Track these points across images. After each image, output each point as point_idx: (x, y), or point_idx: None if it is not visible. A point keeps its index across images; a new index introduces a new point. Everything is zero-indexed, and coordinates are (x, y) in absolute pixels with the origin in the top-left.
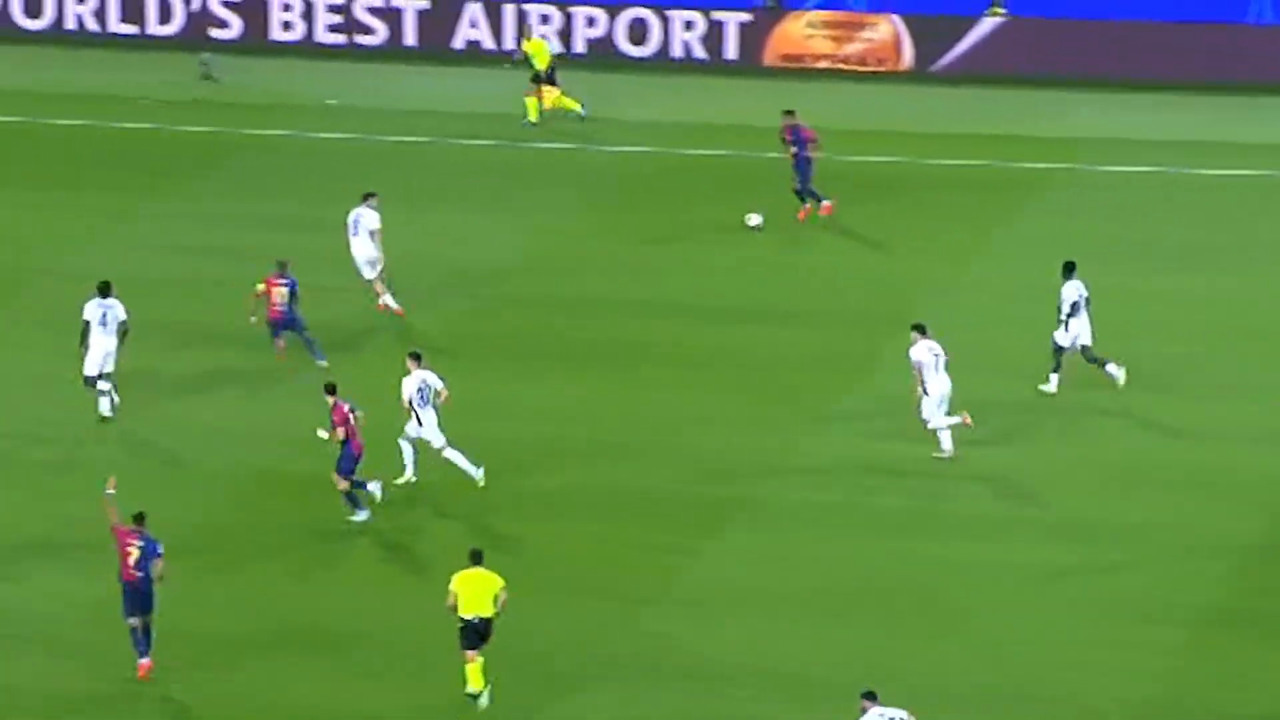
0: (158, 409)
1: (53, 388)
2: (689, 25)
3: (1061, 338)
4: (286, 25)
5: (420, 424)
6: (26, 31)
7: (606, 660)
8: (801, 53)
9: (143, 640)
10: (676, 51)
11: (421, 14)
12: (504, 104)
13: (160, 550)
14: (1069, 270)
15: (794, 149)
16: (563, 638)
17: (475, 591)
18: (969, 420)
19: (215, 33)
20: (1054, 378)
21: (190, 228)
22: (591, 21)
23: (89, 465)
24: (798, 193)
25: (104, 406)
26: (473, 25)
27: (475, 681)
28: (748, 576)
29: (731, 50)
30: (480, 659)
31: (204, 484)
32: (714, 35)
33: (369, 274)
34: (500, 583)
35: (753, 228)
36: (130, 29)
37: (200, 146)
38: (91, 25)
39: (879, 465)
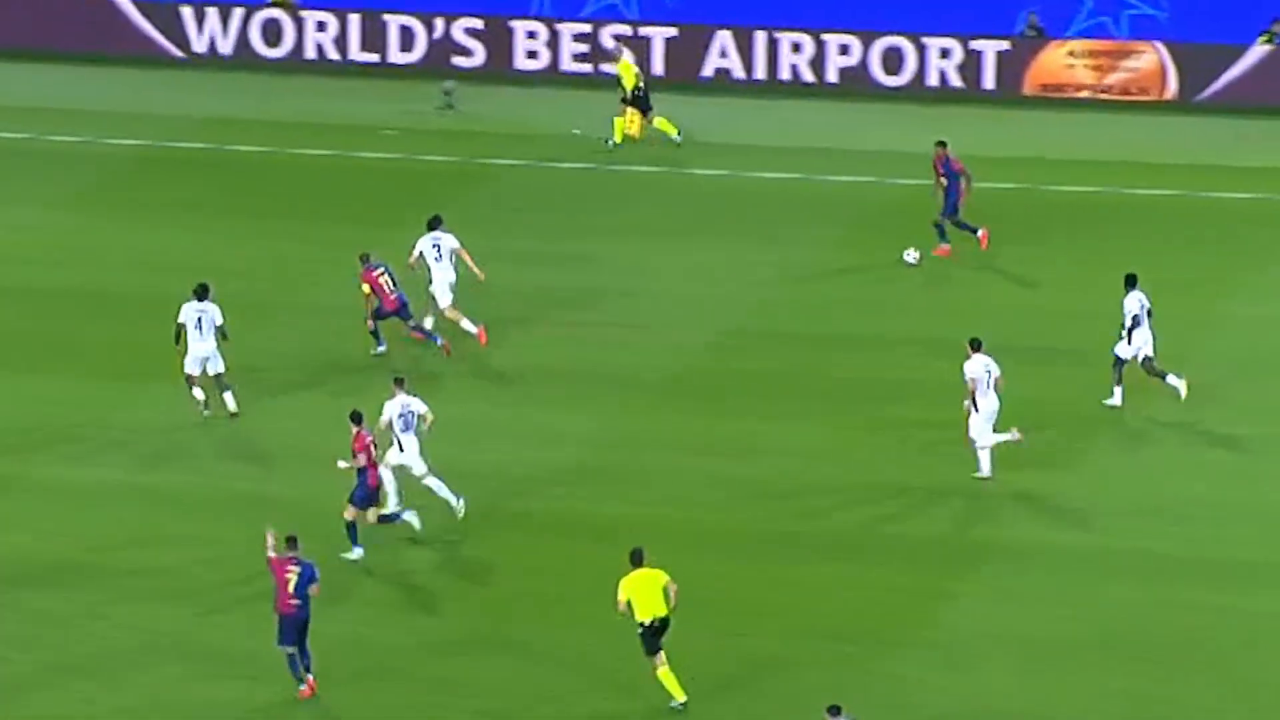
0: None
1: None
2: (945, 53)
3: (1123, 350)
4: (531, 54)
5: (401, 449)
6: (266, 59)
7: (857, 703)
8: (1062, 82)
9: (302, 662)
10: (932, 80)
11: (669, 41)
12: (747, 133)
13: (317, 574)
14: (1131, 283)
15: (944, 180)
16: (813, 681)
17: (648, 593)
18: (1019, 436)
19: (458, 61)
20: (1117, 390)
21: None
22: (844, 49)
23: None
24: (937, 226)
25: (229, 402)
26: (723, 54)
27: (677, 690)
28: (1003, 620)
29: (989, 80)
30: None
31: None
32: (971, 64)
33: (446, 300)
34: (666, 577)
35: (910, 264)
36: (371, 57)
37: (440, 177)
38: (331, 53)
39: (1135, 506)
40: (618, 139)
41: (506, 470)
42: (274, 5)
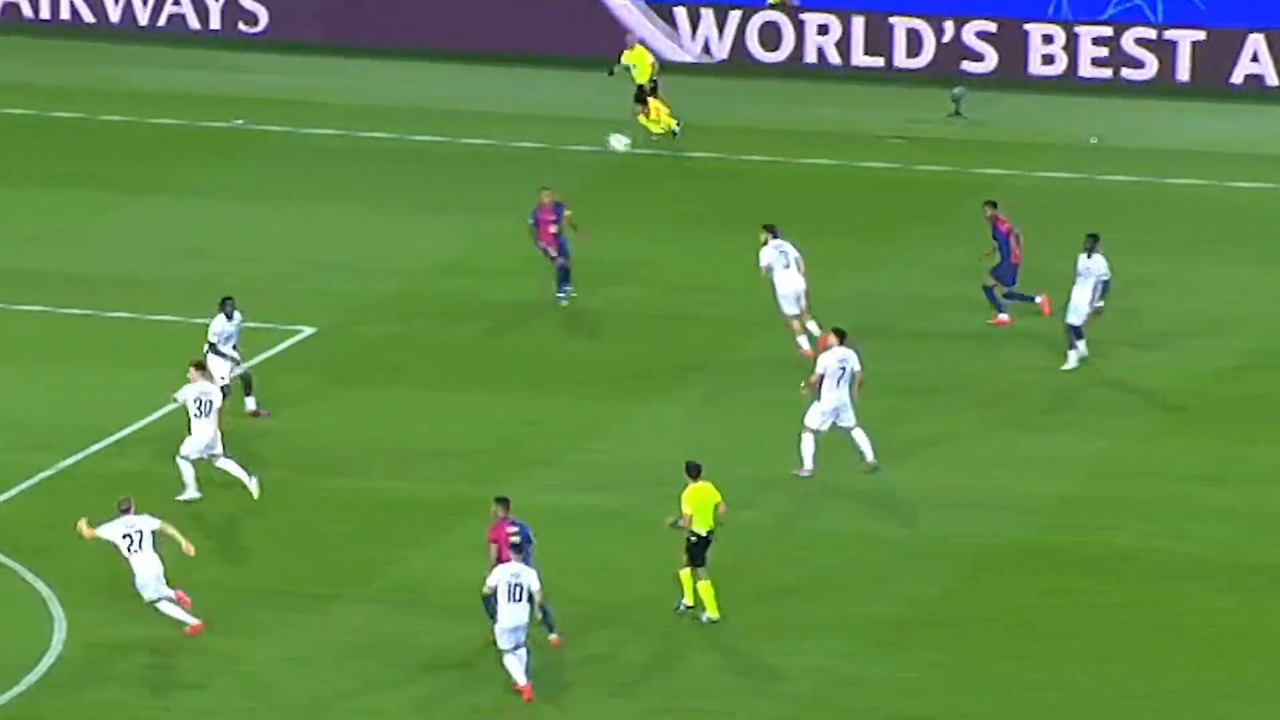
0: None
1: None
2: None
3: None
4: (1046, 58)
5: (190, 432)
6: (762, 63)
7: None
8: None
9: (545, 621)
10: None
11: (1196, 45)
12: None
13: (531, 534)
14: (1090, 240)
15: (996, 243)
16: None
17: (703, 506)
18: (807, 471)
19: (968, 66)
20: (1071, 354)
21: (924, 277)
22: None
23: None
24: (997, 293)
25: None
26: (1254, 59)
27: (713, 607)
28: None
29: None
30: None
31: None
32: None
33: (793, 309)
34: (719, 496)
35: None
36: (875, 61)
37: (944, 189)
38: (833, 58)
39: None
40: (658, 130)
41: (1003, 499)
42: (773, 7)
